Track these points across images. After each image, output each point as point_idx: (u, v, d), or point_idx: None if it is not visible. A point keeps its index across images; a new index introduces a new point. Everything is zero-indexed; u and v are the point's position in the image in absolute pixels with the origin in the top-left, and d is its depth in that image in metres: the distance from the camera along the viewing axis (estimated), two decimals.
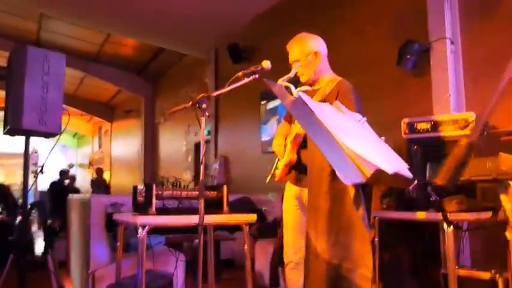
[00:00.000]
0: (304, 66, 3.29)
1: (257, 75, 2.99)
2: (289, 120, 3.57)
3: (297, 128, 3.20)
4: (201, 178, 2.91)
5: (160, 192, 3.76)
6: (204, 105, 2.86)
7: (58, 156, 24.82)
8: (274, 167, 3.51)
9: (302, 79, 3.34)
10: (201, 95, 2.88)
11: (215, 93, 2.98)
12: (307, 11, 7.18)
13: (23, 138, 3.49)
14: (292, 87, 2.16)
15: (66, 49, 12.13)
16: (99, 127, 21.51)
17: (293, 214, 3.40)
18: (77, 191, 13.37)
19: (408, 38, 5.26)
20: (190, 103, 2.88)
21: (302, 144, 3.30)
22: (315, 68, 3.31)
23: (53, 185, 12.58)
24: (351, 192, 2.64)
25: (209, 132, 10.37)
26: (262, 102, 8.31)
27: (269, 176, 3.51)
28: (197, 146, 11.43)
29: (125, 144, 17.97)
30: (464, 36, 4.90)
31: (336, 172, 1.69)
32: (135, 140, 16.11)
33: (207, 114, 2.89)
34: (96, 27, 10.96)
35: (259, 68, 3.00)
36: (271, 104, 8.07)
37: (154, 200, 3.66)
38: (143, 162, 15.10)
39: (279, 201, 6.96)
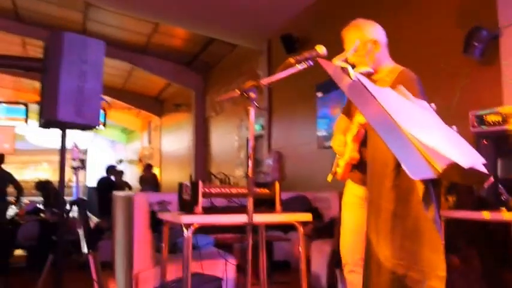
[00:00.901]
0: (362, 55, 3.15)
1: (311, 62, 2.82)
2: (348, 113, 3.44)
3: (358, 120, 3.04)
4: (249, 174, 2.77)
5: (207, 190, 3.67)
6: (252, 94, 2.72)
7: (107, 152, 25.36)
8: (335, 165, 3.38)
9: (360, 68, 3.16)
10: (249, 83, 2.74)
11: (264, 81, 2.83)
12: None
13: (71, 133, 3.47)
14: (349, 68, 1.96)
15: (113, 40, 12.30)
16: (149, 122, 21.73)
17: (355, 213, 3.25)
18: (126, 186, 13.47)
19: (475, 23, 4.99)
20: (238, 91, 2.73)
21: (364, 141, 3.13)
22: (373, 58, 3.16)
23: (100, 181, 12.71)
24: (420, 189, 2.36)
25: (262, 127, 10.26)
26: (319, 95, 8.11)
27: (330, 175, 3.38)
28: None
29: (175, 139, 18.11)
30: None
31: (402, 166, 1.51)
32: (186, 135, 16.20)
33: (256, 104, 2.75)
34: (145, 16, 11.00)
35: (314, 53, 2.83)
36: (329, 96, 7.85)
37: (200, 198, 3.57)
38: (194, 158, 15.14)
39: (336, 199, 6.85)
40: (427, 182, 2.38)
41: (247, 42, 11.13)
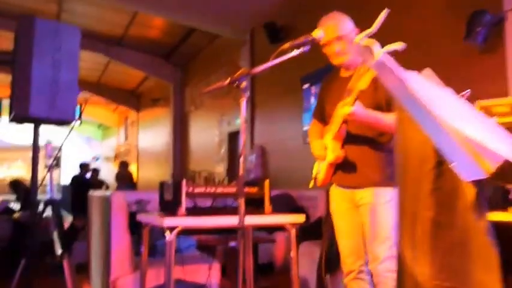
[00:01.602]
0: (349, 43, 3.02)
1: (307, 47, 2.62)
2: (320, 116, 3.36)
3: (342, 113, 2.87)
4: (240, 172, 2.54)
5: (191, 189, 3.43)
6: (244, 84, 2.50)
7: (82, 149, 24.95)
8: (315, 170, 3.29)
9: (340, 60, 3.09)
10: (240, 71, 2.54)
11: (257, 70, 2.62)
12: None
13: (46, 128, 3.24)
14: (375, 44, 1.70)
15: (89, 32, 11.99)
16: (126, 117, 21.44)
17: (348, 218, 3.17)
18: (101, 184, 13.18)
19: (478, 7, 4.77)
20: (228, 80, 2.52)
21: (346, 138, 3.05)
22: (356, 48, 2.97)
23: (74, 179, 12.43)
24: (468, 193, 1.90)
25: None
26: (305, 86, 7.88)
27: (312, 182, 3.30)
28: (231, 136, 11.17)
29: (152, 135, 17.85)
30: None
31: (448, 164, 1.29)
32: (164, 131, 15.93)
33: (248, 94, 2.53)
34: (123, 4, 10.65)
35: (310, 38, 2.65)
36: (316, 88, 7.62)
37: (184, 199, 3.33)
38: (172, 155, 14.89)
39: (323, 197, 6.64)
40: (480, 184, 1.92)
41: (228, 31, 10.83)
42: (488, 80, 4.79)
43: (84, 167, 12.83)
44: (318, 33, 2.70)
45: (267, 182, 3.61)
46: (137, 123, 19.81)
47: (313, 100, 7.67)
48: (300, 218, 3.54)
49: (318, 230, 5.70)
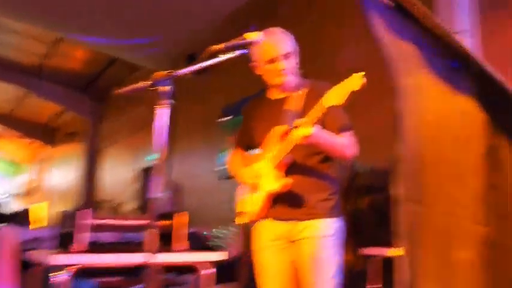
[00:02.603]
0: (295, 62, 2.72)
1: (246, 51, 2.25)
2: (244, 145, 3.00)
3: (300, 134, 2.46)
4: (151, 195, 2.00)
5: (95, 221, 2.85)
6: (167, 88, 2.03)
7: None
8: (243, 203, 2.85)
9: (282, 79, 2.72)
10: (162, 72, 2.07)
11: (183, 71, 2.20)
12: (273, 15, 6.56)
13: None
14: None
15: (3, 61, 11.22)
16: (39, 153, 20.43)
17: (278, 256, 2.71)
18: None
19: None
20: (149, 82, 2.11)
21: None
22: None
23: None
24: None
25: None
26: (224, 119, 7.48)
27: (241, 217, 2.85)
28: (145, 172, 10.61)
29: (65, 171, 17.01)
30: (483, 28, 4.24)
31: None
32: (77, 167, 15.16)
33: (172, 100, 2.07)
34: (46, 26, 9.86)
35: (245, 40, 2.30)
36: (236, 120, 7.20)
37: (85, 231, 2.75)
38: (84, 192, 14.07)
39: (238, 235, 6.21)
40: None
41: (148, 62, 10.33)
42: None
43: None
44: (254, 36, 2.27)
45: (183, 215, 3.10)
46: (50, 159, 18.87)
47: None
48: (218, 256, 3.05)
49: (234, 270, 5.29)
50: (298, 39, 2.70)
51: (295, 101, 2.65)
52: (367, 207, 4.23)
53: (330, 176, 2.70)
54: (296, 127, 2.45)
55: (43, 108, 15.53)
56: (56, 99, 13.79)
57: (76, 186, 14.79)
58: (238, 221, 2.87)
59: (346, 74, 2.61)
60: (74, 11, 8.39)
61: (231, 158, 3.07)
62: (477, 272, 1.09)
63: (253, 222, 2.82)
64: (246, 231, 5.38)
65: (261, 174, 2.72)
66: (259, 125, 2.83)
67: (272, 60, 2.67)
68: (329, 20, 5.94)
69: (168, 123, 2.10)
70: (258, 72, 2.79)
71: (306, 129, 2.39)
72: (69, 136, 15.90)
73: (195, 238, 6.15)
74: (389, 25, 1.20)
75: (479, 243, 1.06)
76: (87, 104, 14.07)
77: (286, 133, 2.59)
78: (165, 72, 2.12)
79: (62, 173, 17.36)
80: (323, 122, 2.54)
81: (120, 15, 8.27)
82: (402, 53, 1.20)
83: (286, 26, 2.77)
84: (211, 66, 2.23)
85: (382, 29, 1.23)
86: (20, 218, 14.10)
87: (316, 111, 2.40)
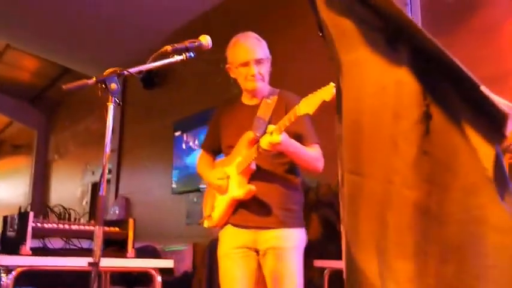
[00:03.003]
0: (267, 69, 2.81)
1: (192, 54, 2.22)
2: (210, 148, 3.04)
3: (265, 143, 2.49)
4: (103, 192, 1.98)
5: (40, 224, 2.80)
6: (113, 85, 2.02)
7: None
8: (209, 207, 2.88)
9: (253, 85, 2.76)
10: (109, 70, 2.07)
11: (132, 70, 2.15)
12: (227, 25, 6.49)
13: None
14: None
15: None
16: None
17: (242, 263, 2.73)
18: None
19: None
20: (94, 79, 2.04)
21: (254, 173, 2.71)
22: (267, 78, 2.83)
23: None
24: (485, 159, 1.16)
25: (110, 171, 9.30)
26: (177, 134, 7.41)
27: (206, 221, 2.88)
28: (94, 187, 10.38)
29: (10, 186, 16.35)
30: None
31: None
32: (24, 181, 14.62)
33: (118, 100, 2.05)
34: None
35: (196, 43, 2.27)
36: (188, 134, 7.18)
37: (29, 234, 2.69)
38: (30, 207, 13.56)
39: (189, 251, 6.16)
40: (497, 146, 1.24)
41: (98, 73, 10.04)
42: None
43: None
44: (205, 39, 2.28)
45: (131, 222, 3.08)
46: None
47: (184, 147, 7.20)
48: (166, 263, 3.02)
49: (184, 285, 5.23)
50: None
51: (266, 108, 2.69)
52: (318, 222, 4.29)
53: (295, 186, 2.75)
54: (265, 134, 2.48)
55: None
56: (3, 110, 13.33)
57: (24, 201, 14.34)
58: (205, 224, 2.90)
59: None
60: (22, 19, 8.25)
61: (198, 160, 3.08)
62: (409, 236, 1.15)
63: (214, 227, 2.85)
64: (197, 248, 5.36)
65: (227, 178, 2.75)
66: (229, 129, 2.86)
67: (244, 64, 2.72)
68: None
69: (112, 123, 2.09)
70: (231, 74, 2.82)
71: (275, 137, 2.43)
72: (15, 148, 15.40)
73: (145, 252, 6.10)
74: (331, 3, 1.24)
75: (411, 208, 1.13)
76: (35, 116, 13.64)
77: (254, 139, 2.62)
78: (113, 69, 2.09)
79: (7, 187, 16.72)
80: (293, 132, 2.58)
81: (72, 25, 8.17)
82: (342, 30, 1.25)
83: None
84: (158, 67, 2.21)
85: (324, 9, 1.27)
86: None
87: (286, 120, 2.44)
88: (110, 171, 9.28)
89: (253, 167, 2.65)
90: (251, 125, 2.69)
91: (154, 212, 7.88)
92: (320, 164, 2.69)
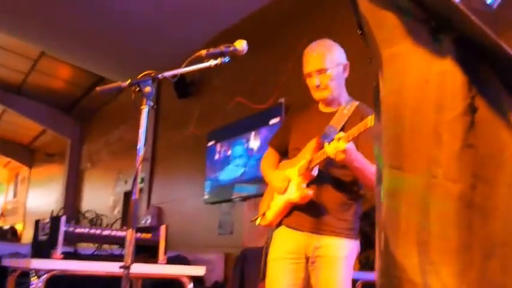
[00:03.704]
0: (332, 78, 2.70)
1: (227, 59, 2.20)
2: (278, 147, 3.00)
3: (329, 150, 2.46)
4: (134, 195, 1.98)
5: (72, 229, 2.82)
6: (147, 88, 2.01)
7: None
8: (264, 206, 2.89)
9: (321, 94, 2.73)
10: (144, 73, 2.05)
11: (167, 74, 2.16)
12: (265, 34, 6.55)
13: None
14: None
15: None
16: (16, 173, 20.08)
17: (291, 272, 2.68)
18: None
19: None
20: (128, 82, 2.02)
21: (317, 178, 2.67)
22: (342, 84, 2.78)
23: None
24: None
25: (142, 180, 9.38)
26: (210, 144, 7.43)
27: (259, 219, 2.90)
28: (126, 196, 10.44)
29: (44, 193, 16.60)
30: None
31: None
32: (56, 189, 14.85)
33: (152, 103, 2.05)
34: (30, 40, 9.82)
35: (232, 48, 2.24)
36: (222, 144, 7.20)
37: (61, 238, 2.71)
38: (62, 212, 13.74)
39: (221, 261, 6.16)
40: None
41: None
42: None
43: None
44: (241, 44, 2.28)
45: (163, 228, 3.07)
46: (28, 180, 18.50)
47: (217, 157, 7.21)
48: (198, 270, 3.00)
49: None
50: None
51: (340, 117, 2.67)
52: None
53: (356, 198, 2.70)
54: (332, 140, 2.46)
55: (23, 128, 15.34)
56: (37, 118, 13.56)
57: (57, 209, 14.54)
58: (257, 222, 2.91)
59: None
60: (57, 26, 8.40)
61: (263, 157, 3.08)
62: (453, 229, 1.11)
63: (268, 226, 2.86)
64: (229, 258, 5.33)
65: (288, 180, 2.75)
66: (299, 131, 2.84)
67: (308, 75, 2.71)
68: None
69: (146, 131, 2.10)
70: (307, 83, 2.79)
71: (341, 143, 2.40)
72: (49, 157, 15.63)
73: (176, 262, 6.12)
74: None
75: (455, 201, 1.09)
76: (69, 124, 13.89)
77: (319, 144, 2.60)
78: (145, 72, 2.10)
79: (41, 195, 17.02)
80: (360, 146, 2.54)
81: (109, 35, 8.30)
82: (384, 23, 1.21)
83: None
84: (193, 71, 2.21)
85: (364, 2, 1.24)
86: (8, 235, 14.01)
87: (356, 129, 2.42)
88: (142, 181, 9.36)
89: (315, 173, 2.62)
90: (322, 132, 2.67)
91: (186, 221, 7.89)
92: None
